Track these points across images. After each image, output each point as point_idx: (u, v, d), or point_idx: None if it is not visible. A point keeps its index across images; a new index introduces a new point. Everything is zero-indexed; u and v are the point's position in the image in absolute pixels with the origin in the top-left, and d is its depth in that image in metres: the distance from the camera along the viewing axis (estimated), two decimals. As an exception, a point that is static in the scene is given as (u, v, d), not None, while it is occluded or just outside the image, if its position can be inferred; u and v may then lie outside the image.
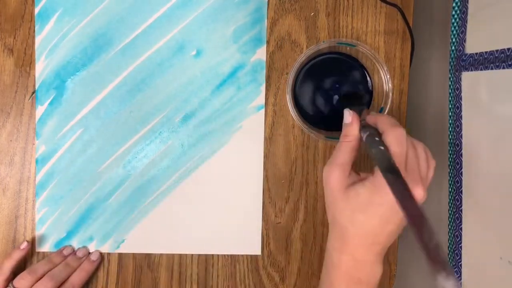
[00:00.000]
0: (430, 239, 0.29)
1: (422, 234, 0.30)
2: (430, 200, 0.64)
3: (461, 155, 0.50)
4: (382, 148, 0.37)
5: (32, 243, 0.52)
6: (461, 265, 0.51)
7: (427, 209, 0.66)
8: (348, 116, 0.42)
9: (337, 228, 0.40)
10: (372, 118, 0.41)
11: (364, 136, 0.40)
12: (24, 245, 0.50)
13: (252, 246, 0.53)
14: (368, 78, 0.50)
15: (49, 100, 0.52)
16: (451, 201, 0.53)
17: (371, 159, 0.38)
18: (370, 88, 0.50)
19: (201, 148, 0.52)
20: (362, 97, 0.49)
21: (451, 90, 0.52)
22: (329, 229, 0.42)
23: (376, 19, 0.52)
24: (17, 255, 0.50)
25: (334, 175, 0.39)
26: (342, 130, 0.42)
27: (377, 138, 0.38)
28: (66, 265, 0.50)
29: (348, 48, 0.50)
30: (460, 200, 0.51)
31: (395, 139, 0.37)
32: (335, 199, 0.39)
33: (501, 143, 0.44)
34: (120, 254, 0.53)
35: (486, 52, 0.45)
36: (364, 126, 0.41)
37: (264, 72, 0.52)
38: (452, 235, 0.52)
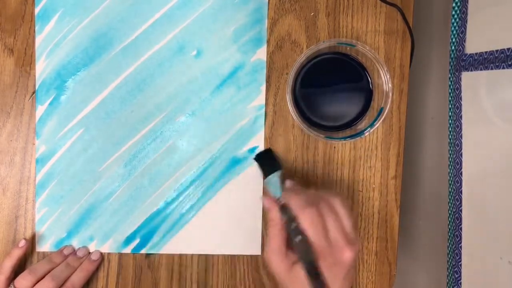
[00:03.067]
0: None
1: None
2: (430, 200, 0.64)
3: (461, 155, 0.50)
4: (299, 239, 0.40)
5: (32, 243, 0.52)
6: (461, 265, 0.51)
7: (427, 208, 0.67)
8: (265, 203, 0.45)
9: None
10: (286, 197, 0.44)
11: (284, 221, 0.43)
12: (22, 243, 0.50)
13: (252, 246, 0.53)
14: (368, 78, 0.50)
15: (49, 100, 0.52)
16: (451, 201, 0.53)
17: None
18: (370, 88, 0.50)
19: (201, 147, 0.53)
20: (276, 160, 0.50)
21: (451, 90, 0.52)
22: None
23: (376, 19, 0.52)
24: (16, 254, 0.50)
25: (273, 261, 0.42)
26: (267, 214, 0.45)
27: (293, 226, 0.41)
28: (67, 265, 0.50)
29: (348, 48, 0.50)
30: (460, 200, 0.51)
31: (308, 223, 0.40)
32: (282, 281, 0.42)
33: (500, 143, 0.44)
34: (120, 254, 0.53)
35: (486, 52, 0.45)
36: (282, 208, 0.43)
37: (264, 72, 0.52)
38: (452, 235, 0.52)
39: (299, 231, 0.40)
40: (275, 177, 0.47)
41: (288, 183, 0.47)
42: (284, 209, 0.43)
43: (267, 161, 0.50)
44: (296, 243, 0.41)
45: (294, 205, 0.42)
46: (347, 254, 0.40)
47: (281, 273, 0.42)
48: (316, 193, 0.44)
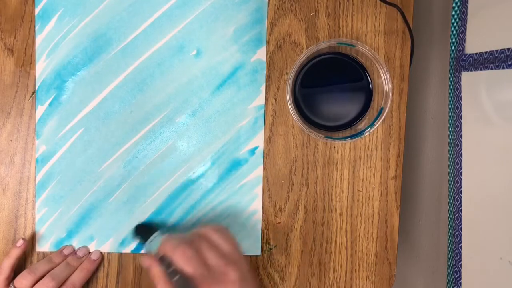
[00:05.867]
0: None
1: None
2: (430, 200, 0.64)
3: (461, 155, 0.50)
4: (177, 277, 0.41)
5: (32, 243, 0.52)
6: (461, 265, 0.51)
7: (427, 208, 0.67)
8: (144, 261, 0.45)
9: None
10: (160, 248, 0.44)
11: (166, 272, 0.43)
12: (20, 242, 0.50)
13: (252, 246, 0.53)
14: (368, 78, 0.50)
15: (49, 100, 0.52)
16: (451, 201, 0.53)
17: None
18: (370, 88, 0.50)
19: (201, 148, 0.53)
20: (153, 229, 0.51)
21: (451, 90, 0.52)
22: None
23: (376, 19, 0.52)
24: (14, 253, 0.50)
25: None
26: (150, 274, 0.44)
27: (171, 269, 0.41)
28: (67, 264, 0.50)
29: (348, 48, 0.50)
30: (460, 201, 0.51)
31: (183, 260, 0.41)
32: None
33: (500, 143, 0.44)
34: (120, 254, 0.53)
35: (486, 52, 0.45)
36: (161, 258, 0.43)
37: (264, 72, 0.52)
38: (452, 235, 0.52)
39: (176, 272, 0.41)
40: (153, 238, 0.48)
41: (163, 236, 0.47)
42: (162, 260, 0.43)
43: (144, 229, 0.50)
44: (176, 283, 0.41)
45: (167, 249, 0.42)
46: (231, 274, 0.40)
47: None
48: (190, 233, 0.45)
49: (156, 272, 0.43)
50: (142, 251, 0.52)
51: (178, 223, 0.53)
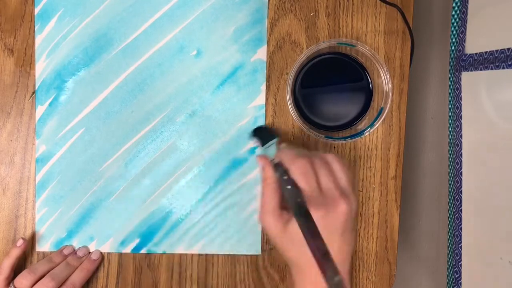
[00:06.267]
0: (332, 277, 0.33)
1: (325, 271, 0.34)
2: (430, 200, 0.64)
3: (461, 155, 0.50)
4: (289, 187, 0.39)
5: (32, 243, 0.52)
6: (461, 265, 0.51)
7: (427, 208, 0.67)
8: (259, 161, 0.44)
9: (293, 265, 0.42)
10: (278, 154, 0.43)
11: (277, 178, 0.41)
12: (20, 242, 0.50)
13: (252, 246, 0.53)
14: (368, 78, 0.50)
15: (49, 100, 0.52)
16: (451, 201, 0.53)
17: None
18: (370, 88, 0.50)
19: (202, 147, 0.53)
20: (271, 131, 0.50)
21: (451, 90, 0.52)
22: (290, 268, 0.43)
23: (376, 19, 0.52)
24: (14, 253, 0.50)
25: (269, 222, 0.40)
26: (261, 174, 0.43)
27: (285, 177, 0.40)
28: (67, 264, 0.50)
29: (348, 48, 0.50)
30: (460, 200, 0.51)
31: (299, 173, 0.39)
32: (279, 242, 0.41)
33: (500, 143, 0.44)
34: (120, 254, 0.53)
35: (486, 52, 0.45)
36: (276, 165, 0.42)
37: (264, 72, 0.52)
38: (452, 235, 0.52)
39: (290, 181, 0.39)
40: (271, 144, 0.46)
41: (283, 144, 0.46)
42: (277, 166, 0.41)
43: (263, 133, 0.49)
44: (287, 192, 0.39)
45: (286, 158, 0.41)
46: (341, 206, 0.38)
47: (276, 235, 0.40)
48: (312, 152, 0.43)
49: (269, 174, 0.42)
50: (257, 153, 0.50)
51: (177, 223, 0.53)
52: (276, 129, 0.52)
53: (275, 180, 0.41)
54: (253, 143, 0.52)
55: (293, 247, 0.40)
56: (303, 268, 0.40)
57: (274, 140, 0.46)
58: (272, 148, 0.46)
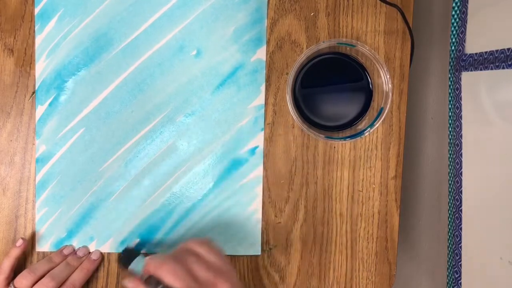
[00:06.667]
0: None
1: None
2: (430, 200, 0.64)
3: (461, 155, 0.50)
4: None
5: (32, 243, 0.52)
6: (461, 265, 0.51)
7: (427, 208, 0.67)
8: (129, 285, 0.43)
9: None
10: (145, 268, 0.43)
11: None
12: (20, 242, 0.50)
13: (252, 246, 0.53)
14: (368, 78, 0.50)
15: (49, 100, 0.52)
16: (451, 201, 0.53)
17: None
18: (370, 88, 0.50)
19: (201, 147, 0.53)
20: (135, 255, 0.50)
21: (451, 90, 0.52)
22: None
23: (376, 19, 0.52)
24: (14, 253, 0.50)
25: None
26: None
27: (160, 286, 0.41)
28: (67, 264, 0.50)
29: (348, 48, 0.50)
30: (460, 200, 0.51)
31: (170, 276, 0.40)
32: None
33: (500, 143, 0.44)
34: (120, 254, 0.53)
35: (486, 52, 0.45)
36: (147, 280, 0.42)
37: (264, 72, 0.52)
38: (452, 235, 0.52)
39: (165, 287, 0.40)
40: (135, 262, 0.47)
41: (147, 257, 0.46)
42: (148, 280, 0.42)
43: (129, 254, 0.50)
44: None
45: (153, 268, 0.41)
46: (221, 286, 0.40)
47: None
48: (174, 250, 0.44)
49: None
50: (124, 278, 0.50)
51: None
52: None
53: None
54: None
55: None
56: None
57: (139, 257, 0.47)
58: (138, 266, 0.47)
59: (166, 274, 0.40)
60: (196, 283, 0.40)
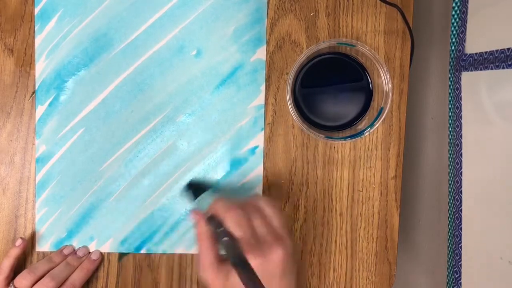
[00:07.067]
0: None
1: None
2: (430, 200, 0.64)
3: (461, 155, 0.50)
4: (226, 239, 0.40)
5: (32, 243, 0.52)
6: (461, 265, 0.51)
7: (427, 208, 0.67)
8: (192, 216, 0.44)
9: None
10: (211, 207, 0.43)
11: (212, 231, 0.42)
12: (19, 242, 0.50)
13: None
14: (368, 78, 0.50)
15: (49, 100, 0.52)
16: (451, 201, 0.53)
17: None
18: (370, 88, 0.50)
19: (201, 147, 0.53)
20: (207, 186, 0.50)
21: (451, 90, 0.52)
22: None
23: (376, 19, 0.52)
24: (13, 253, 0.50)
25: (210, 277, 0.41)
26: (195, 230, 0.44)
27: (220, 229, 0.41)
28: (67, 264, 0.50)
29: (348, 48, 0.50)
30: (460, 200, 0.51)
31: (233, 223, 0.40)
32: None
33: (500, 143, 0.44)
34: (120, 254, 0.53)
35: (486, 52, 0.45)
36: (210, 218, 0.42)
37: (264, 72, 0.52)
38: (452, 235, 0.52)
39: (226, 233, 0.40)
40: (203, 197, 0.47)
41: (215, 197, 0.46)
42: (211, 219, 0.42)
43: (195, 186, 0.50)
44: (224, 244, 0.40)
45: (219, 210, 0.41)
46: (277, 251, 0.39)
47: (219, 286, 0.40)
48: (243, 199, 0.44)
49: (203, 229, 0.42)
50: (191, 208, 0.51)
51: (177, 223, 0.53)
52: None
53: (210, 234, 0.42)
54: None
55: None
56: None
57: (206, 193, 0.48)
58: (205, 201, 0.47)
59: (230, 220, 0.40)
60: (256, 239, 0.40)
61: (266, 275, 0.38)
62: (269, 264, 0.39)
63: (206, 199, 0.47)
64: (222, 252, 0.41)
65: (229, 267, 0.40)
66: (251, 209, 0.42)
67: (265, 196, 0.43)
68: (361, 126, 0.50)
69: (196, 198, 0.48)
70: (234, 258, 0.39)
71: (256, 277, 0.37)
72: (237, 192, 0.53)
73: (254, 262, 0.38)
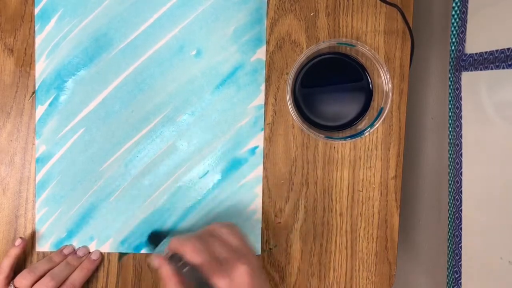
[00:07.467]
0: None
1: None
2: (430, 200, 0.64)
3: (461, 155, 0.50)
4: (187, 269, 0.41)
5: (32, 242, 0.52)
6: (461, 265, 0.51)
7: (427, 208, 0.67)
8: (154, 262, 0.44)
9: None
10: (168, 247, 0.43)
11: (175, 270, 0.42)
12: (19, 241, 0.50)
13: (252, 246, 0.53)
14: (368, 78, 0.50)
15: (49, 100, 0.52)
16: (451, 201, 0.53)
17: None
18: (370, 88, 0.50)
19: (201, 147, 0.53)
20: (162, 238, 0.51)
21: (451, 90, 0.52)
22: None
23: (376, 19, 0.52)
24: (13, 252, 0.50)
25: None
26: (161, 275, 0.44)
27: (180, 263, 0.41)
28: (67, 264, 0.50)
29: (348, 48, 0.50)
30: (460, 200, 0.51)
31: (191, 253, 0.40)
32: None
33: (500, 143, 0.44)
34: (120, 254, 0.53)
35: (486, 52, 0.45)
36: (170, 257, 0.43)
37: (264, 72, 0.52)
38: (452, 235, 0.52)
39: (187, 264, 0.41)
40: (162, 244, 0.48)
41: (172, 238, 0.46)
42: (172, 258, 0.42)
43: (156, 238, 0.51)
44: (187, 274, 0.40)
45: (176, 246, 0.42)
46: (241, 268, 0.40)
47: None
48: (197, 232, 0.45)
49: (166, 270, 0.42)
50: (153, 254, 0.52)
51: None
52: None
53: (174, 272, 0.42)
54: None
55: None
56: None
57: (166, 239, 0.48)
58: (162, 246, 0.48)
59: (188, 251, 0.41)
60: (215, 261, 0.40)
61: None
62: (235, 282, 0.39)
63: (166, 244, 0.47)
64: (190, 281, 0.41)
65: None
66: (206, 235, 0.43)
67: (217, 221, 0.45)
68: (361, 126, 0.50)
69: (157, 246, 0.49)
70: (201, 285, 0.40)
71: None
72: (235, 193, 0.53)
73: (221, 283, 0.39)
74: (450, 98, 0.52)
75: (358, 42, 0.48)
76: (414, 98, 0.65)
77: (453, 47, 0.52)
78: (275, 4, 0.52)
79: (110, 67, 0.52)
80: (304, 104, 0.50)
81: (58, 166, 0.52)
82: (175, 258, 0.42)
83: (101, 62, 0.52)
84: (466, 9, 0.49)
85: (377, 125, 0.48)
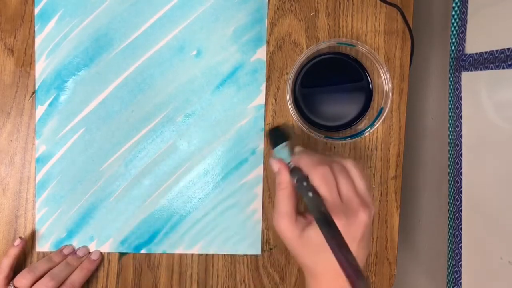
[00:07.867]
0: None
1: (355, 285, 0.33)
2: (430, 200, 0.64)
3: (461, 155, 0.50)
4: (311, 194, 0.38)
5: (32, 242, 0.52)
6: (461, 265, 0.51)
7: (427, 208, 0.67)
8: (275, 165, 0.42)
9: (307, 271, 0.41)
10: (296, 159, 0.42)
11: (294, 182, 0.40)
12: (18, 241, 0.50)
13: (252, 246, 0.53)
14: (368, 78, 0.50)
15: (49, 100, 0.52)
16: (451, 201, 0.53)
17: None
18: (370, 88, 0.50)
19: (202, 147, 0.53)
20: (288, 132, 0.48)
21: (451, 90, 0.52)
22: (304, 274, 0.43)
23: (376, 19, 0.52)
24: (12, 252, 0.50)
25: (285, 228, 0.40)
26: (276, 178, 0.42)
27: (305, 183, 0.39)
28: (67, 264, 0.50)
29: (348, 48, 0.50)
30: (460, 200, 0.51)
31: (320, 180, 0.38)
32: (294, 248, 0.40)
33: (500, 143, 0.44)
34: (120, 254, 0.53)
35: (486, 52, 0.45)
36: (293, 170, 0.41)
37: (264, 72, 0.52)
38: (452, 235, 0.52)
39: (310, 188, 0.38)
40: (284, 146, 0.44)
41: (298, 148, 0.44)
42: (293, 171, 0.40)
43: (276, 134, 0.47)
44: (309, 199, 0.38)
45: (305, 164, 0.40)
46: (361, 215, 0.38)
47: (292, 240, 0.40)
48: (327, 156, 0.42)
49: (286, 178, 0.41)
50: (270, 156, 0.49)
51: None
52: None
53: (291, 185, 0.40)
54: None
55: (308, 254, 0.40)
56: (318, 275, 0.40)
57: (287, 142, 0.45)
58: (283, 151, 0.44)
59: (317, 176, 0.39)
60: (339, 199, 0.39)
61: (347, 237, 0.37)
62: (351, 227, 0.38)
63: (284, 149, 0.44)
64: (307, 206, 0.39)
65: (307, 222, 0.39)
66: (337, 169, 0.40)
67: (348, 158, 0.42)
68: (361, 126, 0.50)
69: (276, 145, 0.45)
70: (320, 216, 0.37)
71: (343, 239, 0.36)
72: (235, 193, 0.53)
73: (337, 223, 0.37)
74: (450, 98, 0.52)
75: (358, 42, 0.48)
76: (414, 98, 0.65)
77: (453, 47, 0.52)
78: (275, 4, 0.52)
79: (111, 67, 0.52)
80: (304, 104, 0.50)
81: (58, 166, 0.52)
82: (298, 174, 0.40)
83: (102, 62, 0.52)
84: (466, 9, 0.49)
85: (377, 125, 0.48)
